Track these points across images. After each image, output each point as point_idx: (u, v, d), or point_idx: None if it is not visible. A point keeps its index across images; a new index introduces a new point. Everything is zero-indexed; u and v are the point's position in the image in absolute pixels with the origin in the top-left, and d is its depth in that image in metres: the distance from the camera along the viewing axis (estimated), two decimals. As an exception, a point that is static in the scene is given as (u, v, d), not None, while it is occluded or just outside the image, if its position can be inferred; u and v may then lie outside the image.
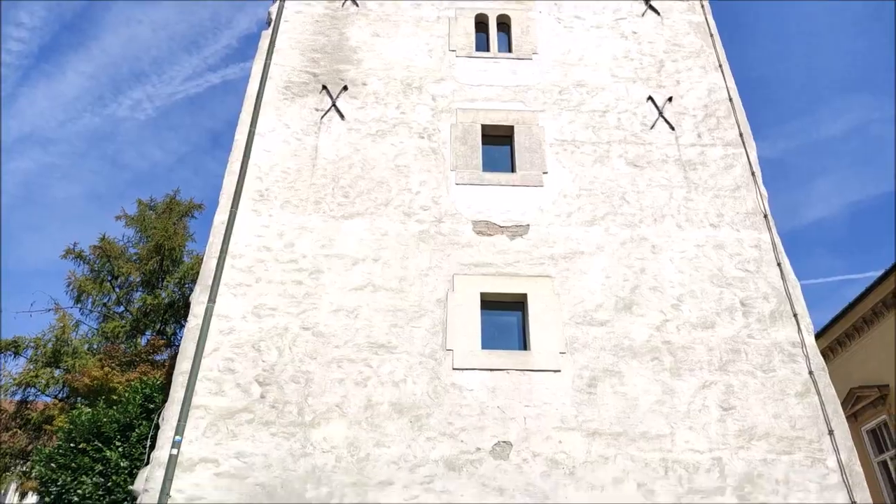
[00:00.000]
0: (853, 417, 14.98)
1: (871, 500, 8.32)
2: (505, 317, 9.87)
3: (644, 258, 10.13)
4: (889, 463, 15.04)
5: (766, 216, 10.62)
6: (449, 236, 10.25)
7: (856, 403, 15.42)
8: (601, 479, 8.29)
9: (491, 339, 9.43)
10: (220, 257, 9.73)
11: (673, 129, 11.71)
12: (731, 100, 12.16)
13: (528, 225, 10.42)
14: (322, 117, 11.65)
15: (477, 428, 8.61)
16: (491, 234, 10.33)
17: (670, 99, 12.07)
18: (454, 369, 9.02)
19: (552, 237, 10.30)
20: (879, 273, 15.00)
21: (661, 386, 8.97)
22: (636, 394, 8.88)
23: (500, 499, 8.15)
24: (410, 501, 8.06)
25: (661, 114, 11.86)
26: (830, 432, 8.66)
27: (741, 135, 11.64)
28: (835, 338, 16.51)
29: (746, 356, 9.27)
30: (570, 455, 8.44)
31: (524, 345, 9.47)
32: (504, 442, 8.55)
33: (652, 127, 11.73)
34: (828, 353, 15.24)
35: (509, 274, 9.93)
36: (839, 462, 8.46)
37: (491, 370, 9.04)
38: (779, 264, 10.10)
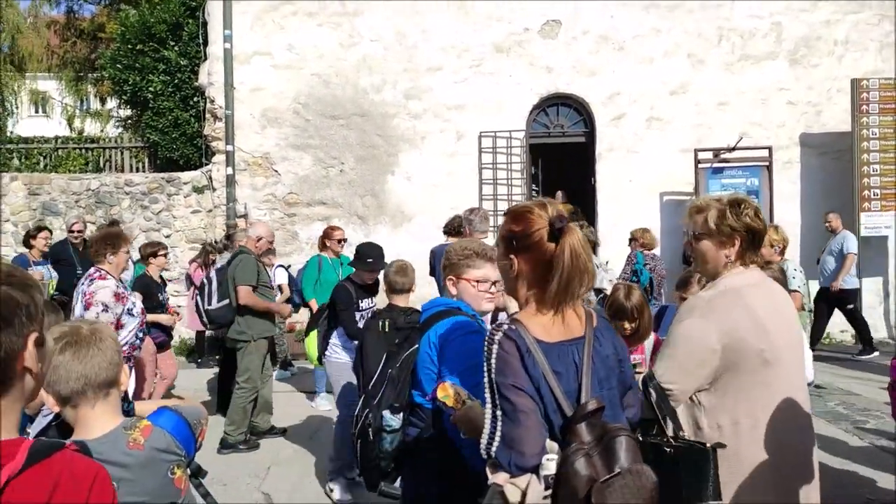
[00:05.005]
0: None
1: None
2: None
3: None
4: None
5: None
6: None
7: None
8: (651, 53, 8.24)
9: None
10: None
11: None
12: None
13: None
14: None
15: (524, 8, 8.31)
16: None
17: None
18: (501, -57, 8.30)
19: None
20: None
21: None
22: (700, -42, 8.14)
23: (548, 77, 8.33)
24: (460, 82, 8.36)
25: None
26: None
27: None
28: None
29: None
30: (620, 30, 8.25)
31: None
32: (553, 21, 8.33)
33: None
34: None
35: None
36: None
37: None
38: None
